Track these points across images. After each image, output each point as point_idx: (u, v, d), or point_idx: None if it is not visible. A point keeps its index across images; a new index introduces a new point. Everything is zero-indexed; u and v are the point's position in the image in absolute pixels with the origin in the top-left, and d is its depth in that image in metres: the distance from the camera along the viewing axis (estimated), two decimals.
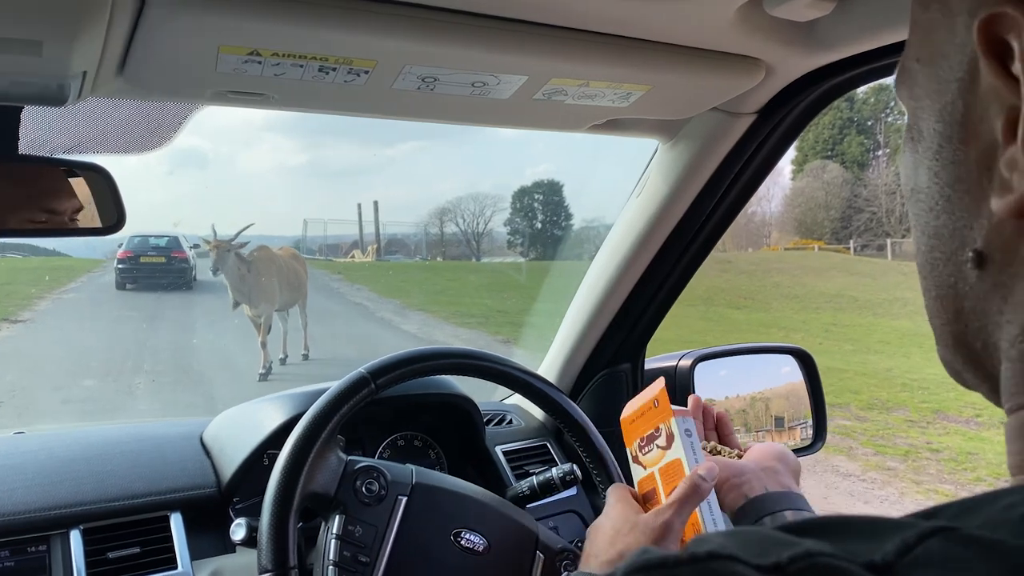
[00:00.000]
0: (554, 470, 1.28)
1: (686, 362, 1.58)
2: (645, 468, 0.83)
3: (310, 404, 1.08)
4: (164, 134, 1.12)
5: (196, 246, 13.69)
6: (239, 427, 1.36)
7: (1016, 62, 0.34)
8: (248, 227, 9.55)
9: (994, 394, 0.41)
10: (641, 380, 1.64)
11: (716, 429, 0.99)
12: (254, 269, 9.04)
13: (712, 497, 0.83)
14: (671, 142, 1.27)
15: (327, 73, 0.90)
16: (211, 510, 1.25)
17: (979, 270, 0.38)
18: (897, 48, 0.96)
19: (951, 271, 0.39)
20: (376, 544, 1.06)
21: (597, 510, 1.58)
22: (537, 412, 1.69)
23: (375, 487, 1.09)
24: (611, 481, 1.21)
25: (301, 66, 0.87)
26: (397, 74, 0.92)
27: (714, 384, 1.60)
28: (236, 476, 1.27)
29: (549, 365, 1.67)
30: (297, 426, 1.06)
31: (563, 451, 1.64)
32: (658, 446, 0.82)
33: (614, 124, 1.20)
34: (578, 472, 1.27)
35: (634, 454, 0.84)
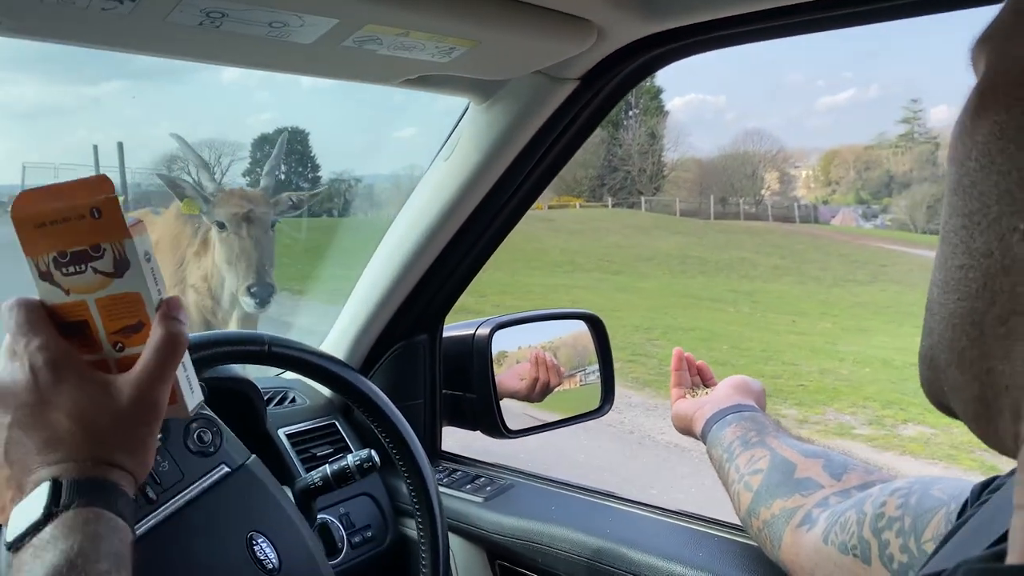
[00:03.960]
0: (350, 457, 1.17)
1: (484, 330, 1.53)
2: (67, 292, 0.61)
3: None
4: None
5: None
6: None
7: None
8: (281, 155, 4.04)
9: (972, 386, 0.36)
10: (439, 351, 1.55)
11: (699, 375, 1.24)
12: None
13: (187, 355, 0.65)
14: (486, 103, 1.16)
15: None
16: None
17: None
18: (730, 22, 0.93)
19: (990, 239, 0.34)
20: (171, 492, 0.99)
21: (392, 492, 1.48)
22: (323, 387, 1.54)
23: (208, 438, 1.06)
24: (413, 461, 1.13)
25: None
26: (173, 5, 0.74)
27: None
28: None
29: (337, 339, 1.53)
30: None
31: (353, 430, 1.52)
32: (96, 270, 0.60)
33: (425, 80, 1.08)
34: (376, 459, 1.17)
35: (44, 269, 0.61)
